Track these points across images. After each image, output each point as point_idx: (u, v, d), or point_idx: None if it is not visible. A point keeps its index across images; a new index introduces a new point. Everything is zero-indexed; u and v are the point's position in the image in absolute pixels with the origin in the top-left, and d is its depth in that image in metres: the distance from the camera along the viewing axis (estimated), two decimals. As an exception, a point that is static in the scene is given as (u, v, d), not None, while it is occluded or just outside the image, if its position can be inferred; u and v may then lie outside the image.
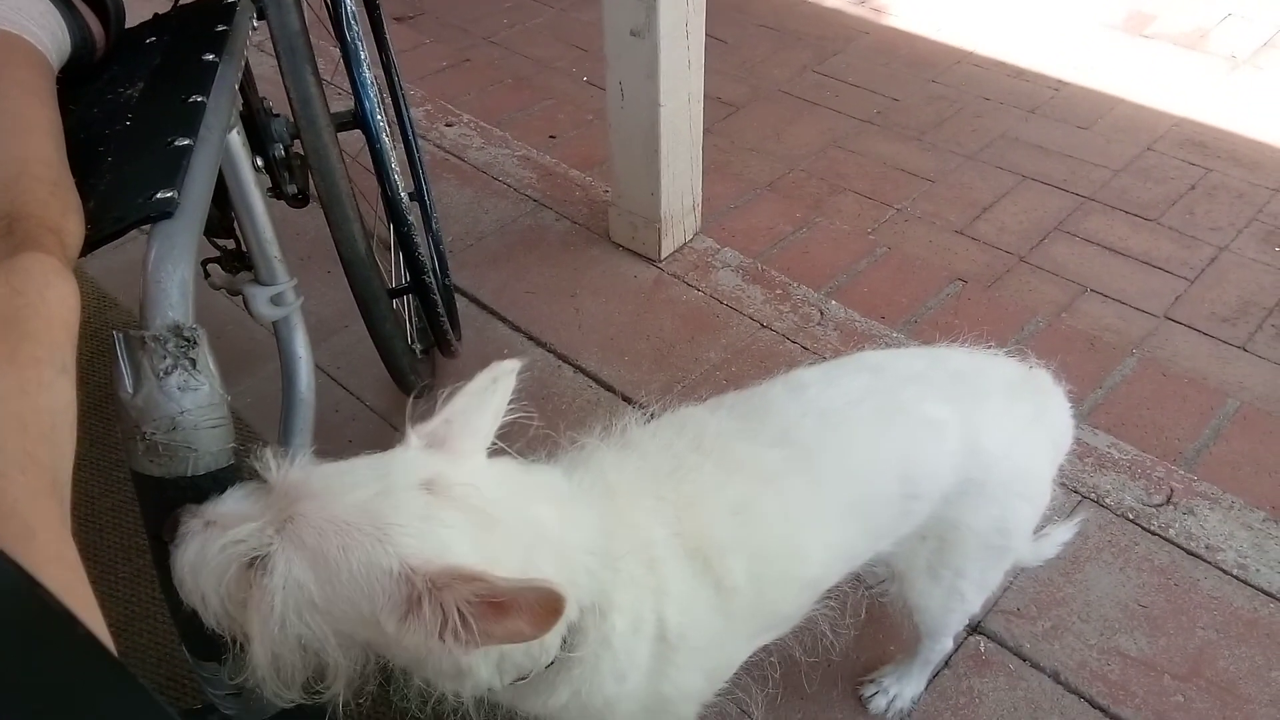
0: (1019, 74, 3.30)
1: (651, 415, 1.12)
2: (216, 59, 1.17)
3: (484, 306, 2.29)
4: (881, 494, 1.10)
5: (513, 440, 0.94)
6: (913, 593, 1.28)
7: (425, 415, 0.90)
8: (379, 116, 1.55)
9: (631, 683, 0.97)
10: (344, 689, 0.84)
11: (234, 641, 0.83)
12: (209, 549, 0.79)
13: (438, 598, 0.74)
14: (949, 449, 1.10)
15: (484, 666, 0.84)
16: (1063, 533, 1.55)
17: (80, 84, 1.18)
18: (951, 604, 1.28)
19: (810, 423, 1.08)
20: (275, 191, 1.49)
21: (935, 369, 1.17)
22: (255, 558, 0.77)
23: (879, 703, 1.47)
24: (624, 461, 1.04)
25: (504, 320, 2.24)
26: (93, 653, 0.34)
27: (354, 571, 0.75)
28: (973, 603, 1.30)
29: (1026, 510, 1.20)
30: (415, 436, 0.87)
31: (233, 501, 0.83)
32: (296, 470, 0.81)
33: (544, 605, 0.72)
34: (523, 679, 0.90)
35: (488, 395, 0.90)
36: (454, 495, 0.81)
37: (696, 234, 2.48)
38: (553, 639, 0.87)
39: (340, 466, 0.83)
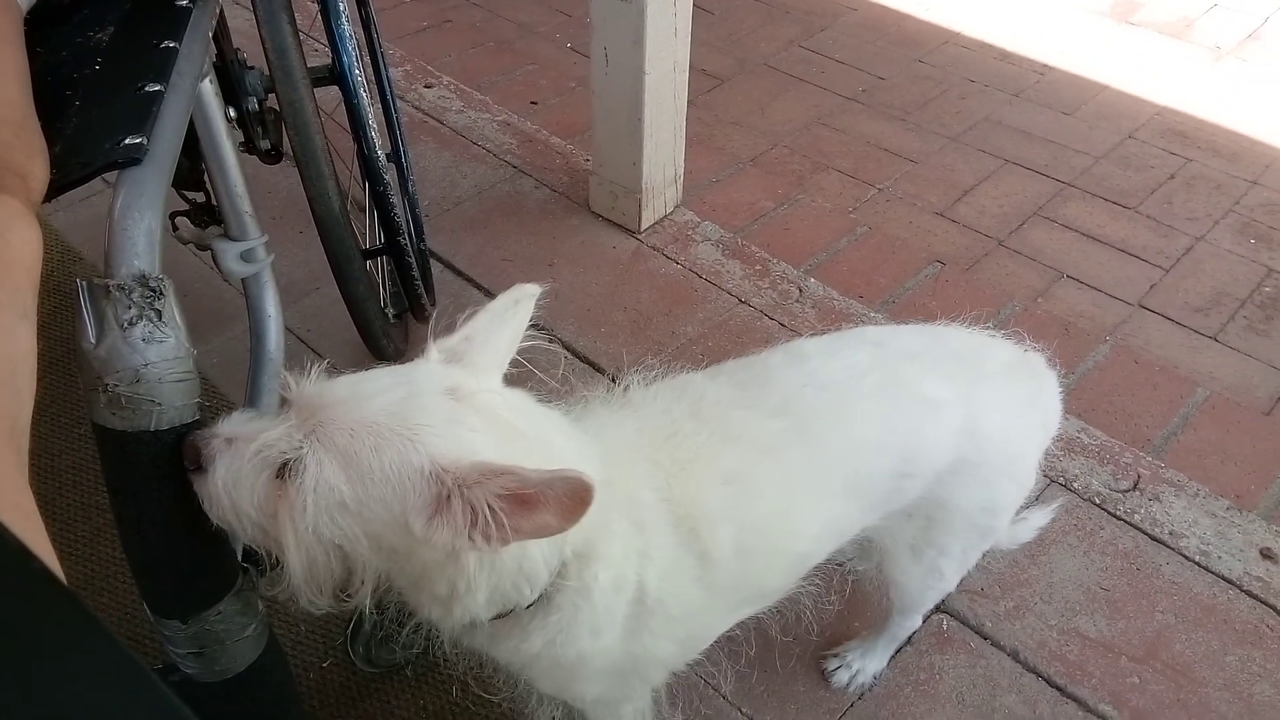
0: (1005, 57, 3.29)
1: (652, 378, 1.11)
2: (190, 4, 1.13)
3: (459, 272, 2.26)
4: (879, 470, 1.09)
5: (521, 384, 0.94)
6: (894, 569, 1.28)
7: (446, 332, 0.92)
8: (357, 72, 1.51)
9: (605, 640, 0.98)
10: (369, 597, 0.85)
11: (269, 555, 0.84)
12: (239, 461, 0.80)
13: (468, 495, 0.75)
14: (948, 429, 1.10)
15: (482, 589, 0.84)
16: (1039, 517, 1.56)
17: (48, 26, 1.13)
18: (930, 581, 1.29)
19: (811, 394, 1.07)
20: (248, 146, 1.45)
21: (936, 347, 1.17)
22: (286, 463, 0.78)
23: (841, 677, 1.48)
24: (623, 422, 1.04)
25: (479, 287, 2.22)
26: (49, 589, 0.33)
27: (386, 471, 0.76)
28: (950, 581, 1.31)
29: (1014, 492, 1.21)
30: (436, 350, 0.88)
31: (247, 419, 0.84)
32: (314, 383, 0.83)
33: (572, 495, 0.73)
34: (504, 615, 0.91)
35: (508, 316, 0.91)
36: (477, 403, 0.82)
37: (677, 206, 2.47)
38: (544, 565, 0.87)
39: (360, 376, 0.84)
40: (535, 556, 0.86)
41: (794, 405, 1.06)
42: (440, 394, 0.82)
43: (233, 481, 0.81)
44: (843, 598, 1.61)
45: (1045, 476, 1.80)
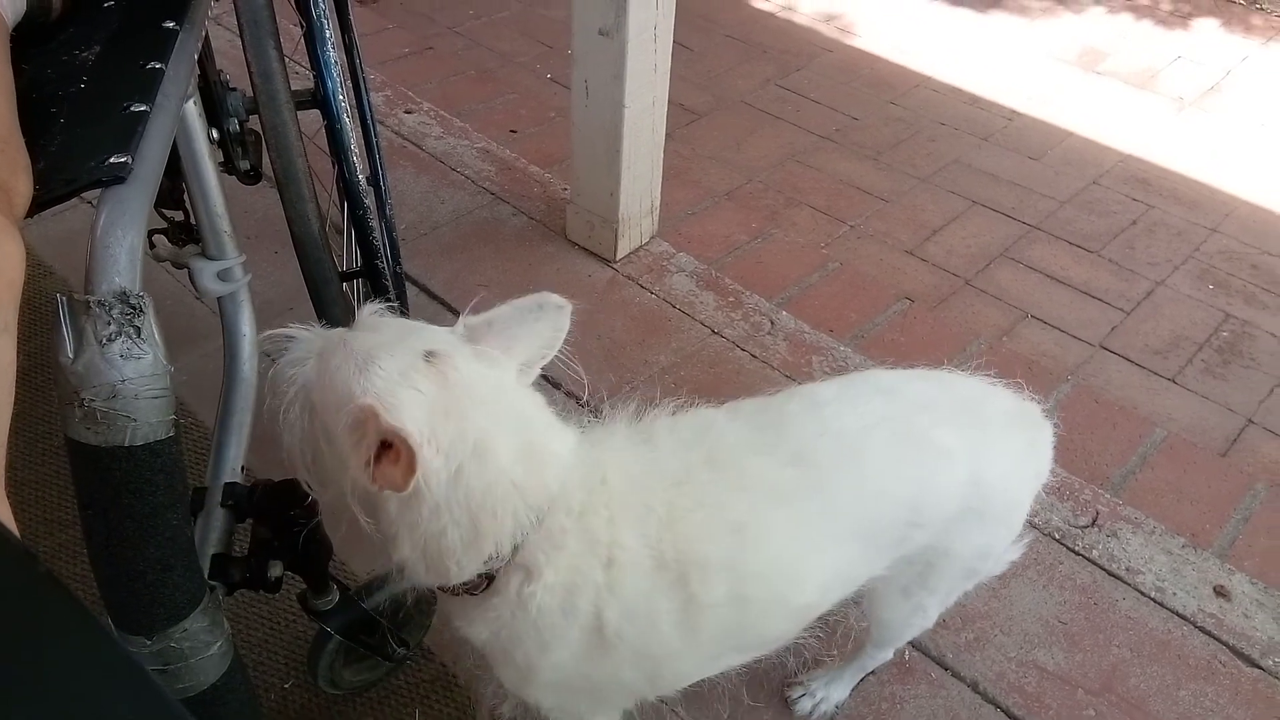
0: (974, 101, 3.37)
1: (673, 409, 1.11)
2: (177, 26, 1.15)
3: (434, 296, 2.28)
4: (890, 520, 1.09)
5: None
6: (881, 606, 1.28)
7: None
8: (341, 97, 1.53)
9: (555, 657, 0.99)
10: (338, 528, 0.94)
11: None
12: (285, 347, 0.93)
13: (362, 427, 0.80)
14: (957, 479, 1.10)
15: (405, 540, 0.88)
16: (1011, 552, 1.56)
17: (34, 44, 1.14)
18: (914, 619, 1.31)
19: (827, 444, 1.07)
20: (227, 166, 1.46)
21: (944, 396, 1.17)
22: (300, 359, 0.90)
23: (804, 705, 1.49)
24: (634, 461, 1.04)
25: (454, 312, 2.23)
26: (52, 591, 0.34)
27: (335, 385, 0.85)
28: (931, 618, 1.32)
29: (1006, 537, 1.23)
30: (462, 323, 0.94)
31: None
32: (372, 314, 0.94)
33: (408, 461, 0.78)
34: (454, 593, 0.96)
35: (529, 315, 0.96)
36: (444, 372, 0.86)
37: (653, 237, 2.50)
38: (460, 545, 0.89)
39: (396, 320, 0.93)
40: (450, 534, 0.88)
41: (809, 454, 1.06)
42: (417, 353, 0.87)
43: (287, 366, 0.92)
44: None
45: (1007, 512, 1.83)
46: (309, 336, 0.92)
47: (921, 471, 1.10)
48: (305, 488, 0.94)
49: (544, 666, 1.00)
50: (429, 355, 0.87)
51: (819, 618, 1.17)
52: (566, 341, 1.00)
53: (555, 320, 0.97)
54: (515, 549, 0.92)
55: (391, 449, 0.80)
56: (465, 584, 0.94)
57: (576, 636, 0.98)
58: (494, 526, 0.89)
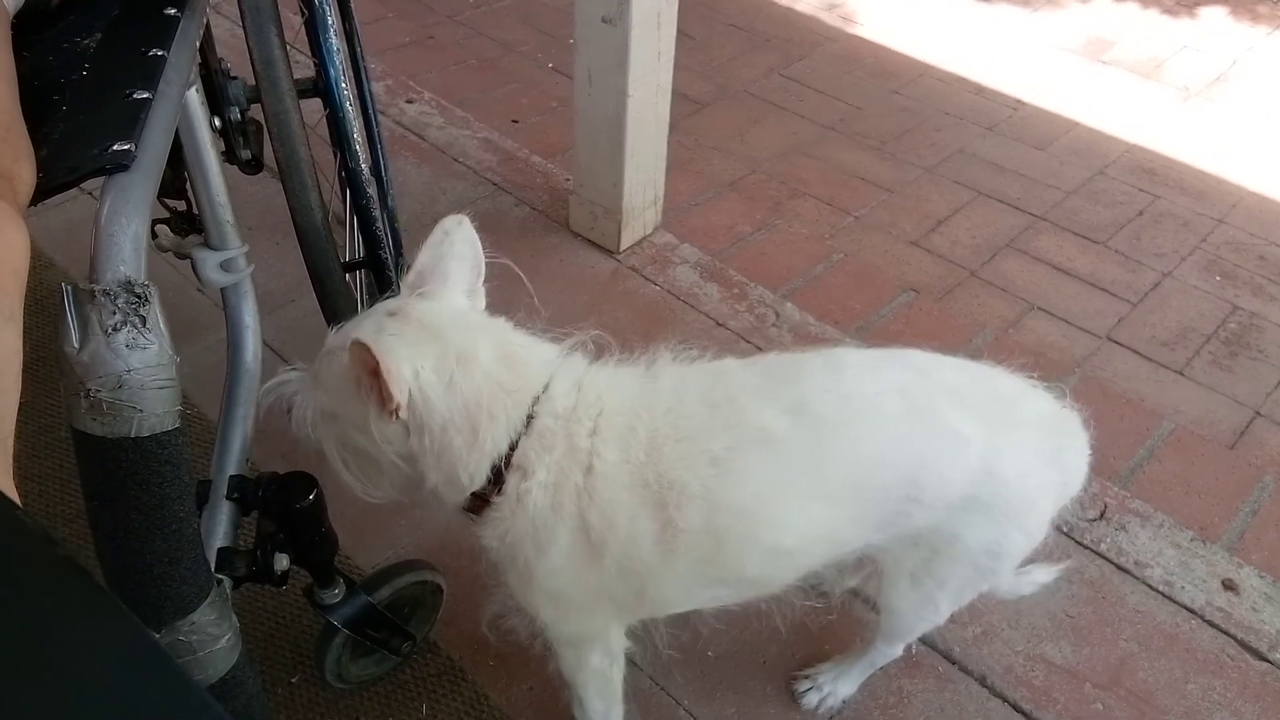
0: (979, 91, 3.36)
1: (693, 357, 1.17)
2: (179, 14, 1.13)
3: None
4: (884, 487, 1.09)
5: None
6: (892, 594, 1.28)
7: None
8: (343, 85, 1.52)
9: (552, 560, 1.06)
10: (393, 487, 1.07)
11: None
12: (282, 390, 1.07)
13: (358, 364, 0.93)
14: (966, 464, 1.10)
15: (431, 465, 1.02)
16: (1043, 574, 1.53)
17: (34, 31, 1.13)
18: (924, 612, 1.29)
19: (831, 400, 1.08)
20: (228, 156, 1.45)
21: (976, 386, 1.17)
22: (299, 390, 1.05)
23: (811, 699, 1.49)
24: (631, 384, 1.11)
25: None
26: (71, 574, 0.33)
27: (337, 378, 0.99)
28: (942, 615, 1.31)
29: (1021, 541, 1.20)
30: (403, 287, 1.07)
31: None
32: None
33: (376, 367, 0.90)
34: (474, 510, 1.08)
35: (445, 247, 1.07)
36: (408, 315, 1.01)
37: (657, 228, 2.49)
38: (467, 456, 1.02)
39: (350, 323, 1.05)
40: (455, 442, 1.00)
41: (810, 406, 1.07)
42: (382, 314, 1.01)
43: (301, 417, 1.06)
44: (810, 618, 1.62)
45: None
46: (299, 373, 1.06)
47: (926, 448, 1.10)
48: (361, 493, 1.08)
49: (541, 571, 1.08)
50: (390, 313, 1.01)
51: (809, 573, 1.20)
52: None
53: (465, 236, 1.08)
54: (512, 449, 1.02)
55: (377, 376, 0.92)
56: (482, 495, 1.05)
57: (566, 539, 1.05)
58: (490, 426, 1.00)
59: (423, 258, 1.07)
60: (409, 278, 1.07)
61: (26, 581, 0.33)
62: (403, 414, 0.97)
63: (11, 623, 0.31)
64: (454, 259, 1.07)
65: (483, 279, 1.11)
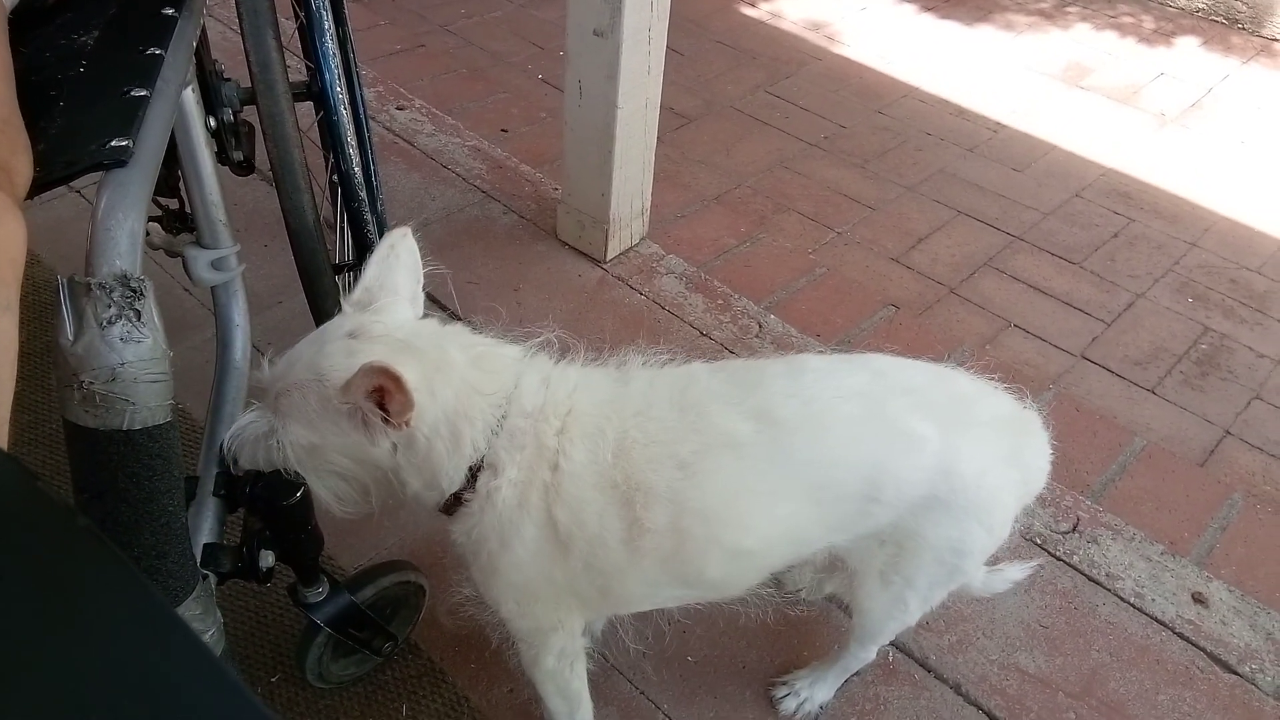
0: (961, 113, 3.41)
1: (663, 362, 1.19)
2: (176, 14, 1.15)
3: (424, 293, 2.27)
4: (843, 489, 1.12)
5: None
6: (861, 593, 1.30)
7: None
8: (338, 89, 1.53)
9: (516, 554, 1.09)
10: (376, 501, 1.08)
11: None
12: (242, 436, 1.04)
13: (355, 401, 0.94)
14: (922, 464, 1.12)
15: (413, 475, 1.04)
16: (1016, 571, 1.56)
17: (31, 27, 1.14)
18: (894, 612, 1.32)
19: (793, 406, 1.11)
20: (221, 157, 1.46)
21: (934, 387, 1.19)
22: (268, 431, 1.02)
23: (789, 704, 1.50)
24: (603, 387, 1.14)
25: (444, 308, 2.23)
26: (92, 543, 0.34)
27: (317, 411, 0.98)
28: (913, 615, 1.33)
29: (983, 539, 1.22)
30: (346, 305, 1.07)
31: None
32: (266, 368, 1.04)
33: (381, 378, 0.90)
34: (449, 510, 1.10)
35: (392, 260, 1.09)
36: (373, 334, 1.01)
37: (643, 239, 2.51)
38: (448, 460, 1.04)
39: (297, 346, 1.04)
40: (438, 448, 1.02)
41: (773, 411, 1.10)
42: (342, 338, 1.00)
43: (246, 452, 1.04)
44: (785, 625, 1.63)
45: (990, 516, 1.85)
46: (256, 414, 1.04)
47: (881, 450, 1.13)
48: (339, 512, 1.08)
49: (505, 564, 1.10)
50: (351, 334, 1.01)
51: (772, 574, 1.23)
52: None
53: (407, 246, 1.10)
54: (487, 447, 1.05)
55: (385, 393, 0.92)
56: (456, 494, 1.07)
57: (532, 534, 1.08)
58: (469, 430, 1.03)
59: (370, 273, 1.08)
60: (356, 294, 1.07)
61: (51, 551, 0.34)
62: (413, 421, 0.98)
63: (39, 591, 0.32)
64: (401, 271, 1.09)
65: (421, 285, 1.13)
